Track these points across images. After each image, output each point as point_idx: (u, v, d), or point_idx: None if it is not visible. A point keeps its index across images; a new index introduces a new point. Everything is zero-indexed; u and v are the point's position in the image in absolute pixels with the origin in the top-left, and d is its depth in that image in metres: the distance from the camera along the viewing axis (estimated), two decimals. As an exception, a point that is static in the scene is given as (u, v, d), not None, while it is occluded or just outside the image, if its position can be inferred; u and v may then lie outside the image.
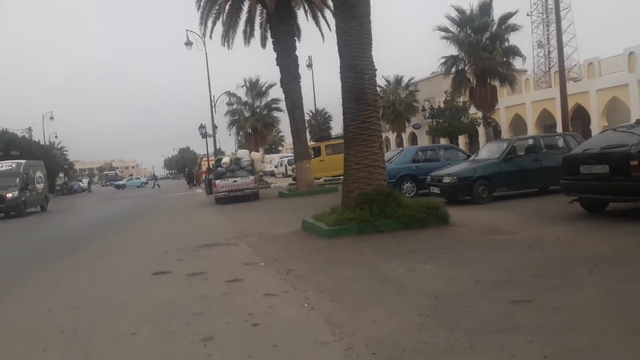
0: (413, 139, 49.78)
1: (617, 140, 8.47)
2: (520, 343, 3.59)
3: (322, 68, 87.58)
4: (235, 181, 20.58)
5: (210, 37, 22.99)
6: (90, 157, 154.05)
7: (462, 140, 41.58)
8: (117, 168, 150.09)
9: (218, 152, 39.83)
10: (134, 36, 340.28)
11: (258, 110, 41.56)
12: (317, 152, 27.99)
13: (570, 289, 4.76)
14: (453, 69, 28.19)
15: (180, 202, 25.22)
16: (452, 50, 27.53)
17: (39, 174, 27.29)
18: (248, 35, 22.59)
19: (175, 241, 10.62)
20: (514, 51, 27.12)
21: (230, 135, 47.61)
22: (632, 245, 6.43)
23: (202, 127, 42.02)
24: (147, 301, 5.84)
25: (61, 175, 77.89)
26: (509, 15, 26.59)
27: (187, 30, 30.34)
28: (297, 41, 21.81)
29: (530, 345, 3.54)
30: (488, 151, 13.80)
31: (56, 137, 70.06)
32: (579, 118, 32.17)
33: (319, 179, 26.42)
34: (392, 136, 48.12)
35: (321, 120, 54.14)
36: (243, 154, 23.52)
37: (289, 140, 22.55)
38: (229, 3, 21.10)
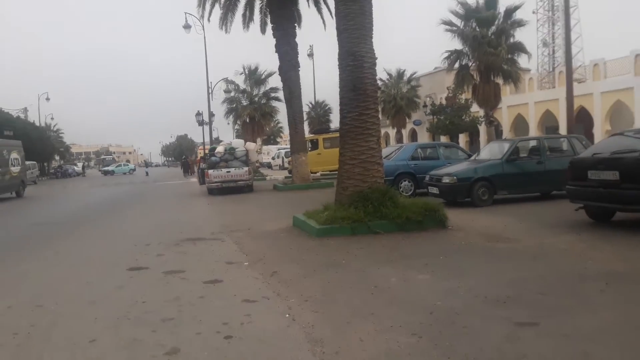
0: (413, 136, 49.22)
1: (629, 145, 7.97)
2: (527, 378, 3.11)
3: (323, 59, 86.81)
4: (229, 172, 20.05)
5: (209, 20, 22.41)
6: (87, 141, 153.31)
7: (462, 139, 41.05)
8: (114, 153, 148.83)
9: (216, 141, 39.28)
10: (134, 19, 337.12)
11: (256, 99, 40.89)
12: (314, 144, 27.46)
13: (581, 311, 4.28)
14: (456, 64, 27.57)
15: (173, 191, 24.69)
16: (456, 45, 26.96)
17: (14, 155, 24.62)
18: (247, 19, 22.00)
19: (159, 233, 10.13)
20: (520, 48, 26.51)
21: (229, 124, 46.94)
22: (644, 261, 5.95)
23: (199, 114, 41.49)
24: (116, 301, 5.34)
25: (57, 158, 77.30)
26: (515, 8, 25.91)
27: (185, 13, 29.69)
28: (297, 28, 21.20)
29: (538, 382, 3.06)
30: (490, 151, 13.28)
31: (52, 119, 69.07)
32: (581, 121, 31.66)
33: (315, 172, 25.92)
34: (391, 132, 47.52)
35: (321, 112, 53.46)
36: (238, 143, 22.91)
37: (287, 131, 21.97)
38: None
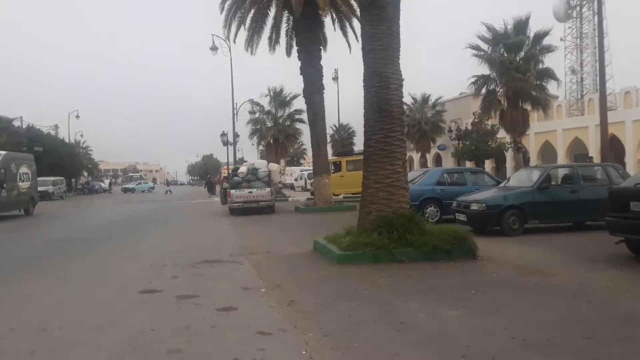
0: (437, 160, 48.59)
1: (675, 176, 7.44)
2: None
3: (348, 83, 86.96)
4: (251, 192, 19.85)
5: (234, 41, 22.50)
6: (115, 159, 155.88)
7: (488, 165, 40.31)
8: (141, 171, 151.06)
9: (241, 161, 39.34)
10: (164, 42, 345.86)
11: (281, 120, 40.92)
12: (337, 167, 27.15)
13: (635, 361, 3.80)
14: (483, 90, 27.07)
15: (195, 210, 24.57)
16: (484, 70, 26.49)
17: (24, 169, 22.61)
18: (273, 42, 21.99)
19: (176, 254, 9.86)
20: (549, 74, 25.88)
21: (253, 145, 47.05)
22: (698, 303, 5.40)
23: (223, 134, 41.73)
24: (123, 328, 5.03)
25: (85, 174, 78.64)
26: (544, 34, 25.38)
27: (212, 35, 30.00)
28: (322, 51, 21.11)
29: None
30: (520, 178, 12.76)
31: (82, 135, 70.48)
32: (612, 149, 30.67)
33: (338, 195, 25.55)
34: (415, 156, 47.00)
35: (344, 135, 53.32)
36: (261, 164, 22.77)
37: (311, 153, 21.81)
38: (254, 8, 20.53)
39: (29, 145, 45.87)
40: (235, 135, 38.50)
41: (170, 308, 5.77)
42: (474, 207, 11.38)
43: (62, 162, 49.55)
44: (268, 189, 20.05)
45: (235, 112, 34.14)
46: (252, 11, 20.80)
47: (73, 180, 62.96)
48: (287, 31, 22.32)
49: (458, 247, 8.14)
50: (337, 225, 10.98)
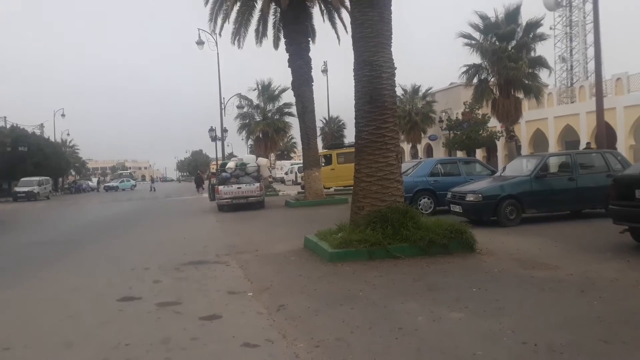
0: (428, 151, 48.29)
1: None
2: None
3: (337, 75, 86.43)
4: (240, 187, 19.36)
5: (220, 34, 21.98)
6: (104, 157, 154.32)
7: (479, 154, 40.03)
8: (130, 168, 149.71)
9: (230, 157, 38.75)
10: (150, 36, 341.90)
11: (269, 114, 40.43)
12: (328, 160, 26.73)
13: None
14: (475, 79, 26.73)
15: (182, 207, 24.06)
16: (475, 59, 26.14)
17: None
18: (260, 34, 21.46)
19: (160, 255, 9.42)
20: (541, 62, 25.58)
21: (242, 140, 46.47)
22: None
23: (212, 130, 41.03)
24: (96, 342, 4.58)
25: (73, 173, 77.40)
26: (536, 23, 25.09)
27: (199, 29, 29.33)
28: (310, 42, 20.61)
29: None
30: (516, 167, 12.40)
31: (68, 134, 69.38)
32: (605, 136, 30.51)
33: (329, 188, 25.16)
34: (406, 147, 46.68)
35: (334, 127, 52.91)
36: (249, 159, 22.25)
37: (301, 147, 21.39)
38: (240, 0, 19.96)
39: (12, 145, 45.06)
40: (224, 130, 37.87)
41: (149, 318, 5.32)
42: (470, 197, 11.00)
43: (47, 161, 48.66)
44: (257, 184, 19.57)
45: (223, 107, 33.50)
46: (238, 3, 20.23)
47: (60, 179, 62.04)
48: (274, 23, 21.82)
49: (456, 241, 7.75)
50: (328, 220, 10.60)
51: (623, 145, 30.10)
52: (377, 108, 8.41)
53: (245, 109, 40.22)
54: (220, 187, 19.41)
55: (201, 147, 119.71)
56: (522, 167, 12.11)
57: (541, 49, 26.66)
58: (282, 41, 20.90)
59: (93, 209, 27.23)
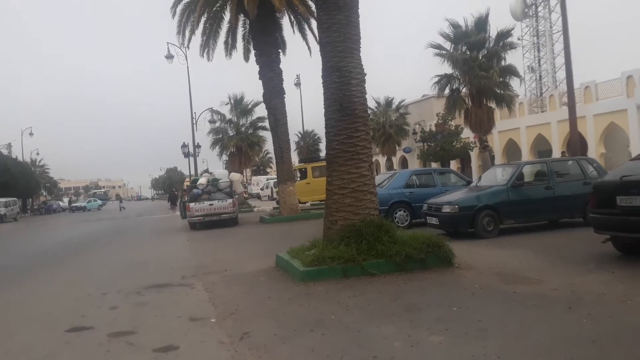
0: (404, 163, 48.30)
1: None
2: None
3: (310, 89, 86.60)
4: (212, 204, 18.76)
5: (188, 46, 21.44)
6: (76, 176, 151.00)
7: (453, 165, 40.10)
8: (104, 187, 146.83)
9: (205, 173, 38.00)
10: (119, 50, 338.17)
11: (243, 129, 39.90)
12: (303, 174, 26.29)
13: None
14: (447, 89, 26.74)
15: (153, 226, 23.25)
16: (446, 69, 26.18)
17: None
18: (230, 46, 21.04)
19: (122, 278, 8.81)
20: (511, 71, 25.75)
21: (217, 155, 45.74)
22: None
23: (184, 146, 40.26)
24: (32, 384, 4.03)
25: (44, 193, 75.18)
26: (507, 33, 25.28)
27: (168, 43, 28.77)
28: (281, 54, 20.28)
29: None
30: (492, 177, 12.16)
31: (38, 154, 67.56)
32: (575, 144, 30.86)
33: (305, 203, 24.70)
34: (382, 160, 46.60)
35: (310, 141, 52.59)
36: (222, 174, 21.69)
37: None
38: (207, 11, 19.53)
39: (-24, 165, 43.50)
40: (197, 146, 37.17)
41: (97, 351, 4.77)
42: (446, 209, 10.69)
43: (15, 181, 47.02)
44: (230, 200, 19.00)
45: (194, 122, 32.90)
46: (205, 15, 19.80)
47: (29, 200, 60.13)
48: (244, 35, 21.46)
49: (433, 255, 7.38)
50: (302, 236, 10.16)
51: (594, 153, 30.41)
52: (348, 116, 8.04)
53: (217, 124, 39.67)
54: (192, 204, 18.79)
55: (176, 164, 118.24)
56: (497, 176, 11.88)
57: (510, 59, 26.91)
58: (252, 53, 20.51)
59: (61, 230, 26.20)
